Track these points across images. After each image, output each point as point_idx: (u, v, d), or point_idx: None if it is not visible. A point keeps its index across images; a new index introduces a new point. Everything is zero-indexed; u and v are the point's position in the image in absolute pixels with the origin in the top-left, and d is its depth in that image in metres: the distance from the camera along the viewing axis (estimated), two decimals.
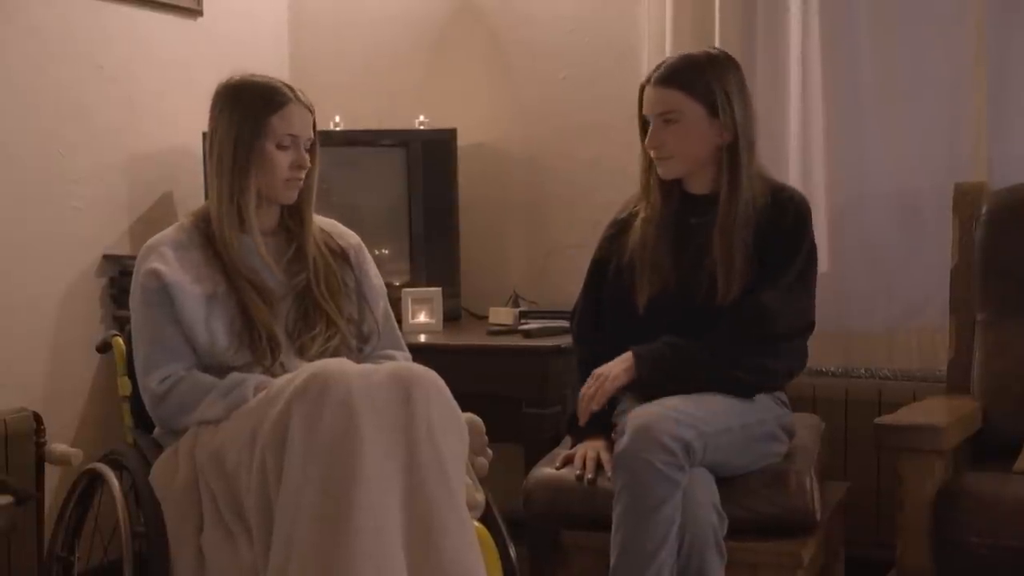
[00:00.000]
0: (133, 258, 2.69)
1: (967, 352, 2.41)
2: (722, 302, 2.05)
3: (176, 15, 2.91)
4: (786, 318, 2.07)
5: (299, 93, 1.98)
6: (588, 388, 2.08)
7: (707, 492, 1.94)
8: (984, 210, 2.43)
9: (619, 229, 2.21)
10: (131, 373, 1.99)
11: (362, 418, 1.69)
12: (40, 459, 2.44)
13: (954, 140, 2.60)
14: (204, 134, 2.77)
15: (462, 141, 2.95)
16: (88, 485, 1.97)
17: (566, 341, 2.53)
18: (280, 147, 1.94)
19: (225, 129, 1.94)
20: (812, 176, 2.68)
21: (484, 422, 1.99)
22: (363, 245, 2.12)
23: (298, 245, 2.00)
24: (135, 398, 2.00)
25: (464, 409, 1.85)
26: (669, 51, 2.76)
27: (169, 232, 1.99)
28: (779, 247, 2.08)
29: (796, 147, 2.71)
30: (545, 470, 2.13)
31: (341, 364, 1.78)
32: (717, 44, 2.66)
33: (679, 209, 2.15)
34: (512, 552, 1.93)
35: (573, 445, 2.16)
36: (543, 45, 3.02)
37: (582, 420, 2.09)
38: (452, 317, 2.90)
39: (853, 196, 2.69)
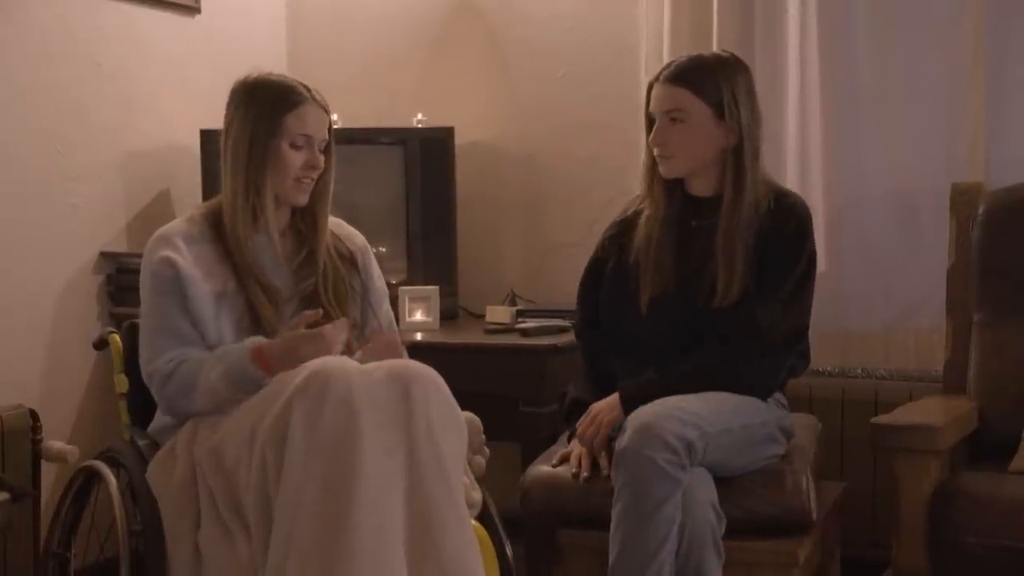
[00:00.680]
0: (130, 255, 2.72)
1: (964, 352, 2.41)
2: (720, 305, 2.05)
3: (174, 12, 2.91)
4: (778, 333, 2.07)
5: (315, 93, 1.98)
6: (587, 429, 2.06)
7: (706, 491, 1.94)
8: (981, 210, 2.43)
9: (621, 229, 2.21)
10: (128, 370, 1.99)
11: (362, 416, 1.69)
12: (36, 456, 2.44)
13: (952, 141, 2.61)
14: (202, 131, 2.81)
15: (460, 139, 2.95)
16: (85, 482, 1.97)
17: (563, 340, 2.53)
18: (294, 147, 1.94)
19: (240, 127, 1.94)
20: (810, 177, 2.68)
21: (481, 421, 1.99)
22: (368, 246, 2.12)
23: (310, 249, 1.99)
24: (132, 395, 1.99)
25: (461, 408, 1.84)
26: (667, 50, 2.77)
27: (179, 224, 1.97)
28: (780, 255, 2.08)
29: (794, 148, 2.71)
30: (542, 468, 2.13)
31: (342, 362, 1.78)
32: (715, 44, 2.67)
33: (681, 211, 2.15)
34: (509, 550, 1.93)
35: (570, 437, 2.16)
36: (541, 44, 3.02)
37: (585, 471, 2.06)
38: (449, 316, 2.90)
39: (851, 196, 2.69)
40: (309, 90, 1.97)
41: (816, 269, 2.14)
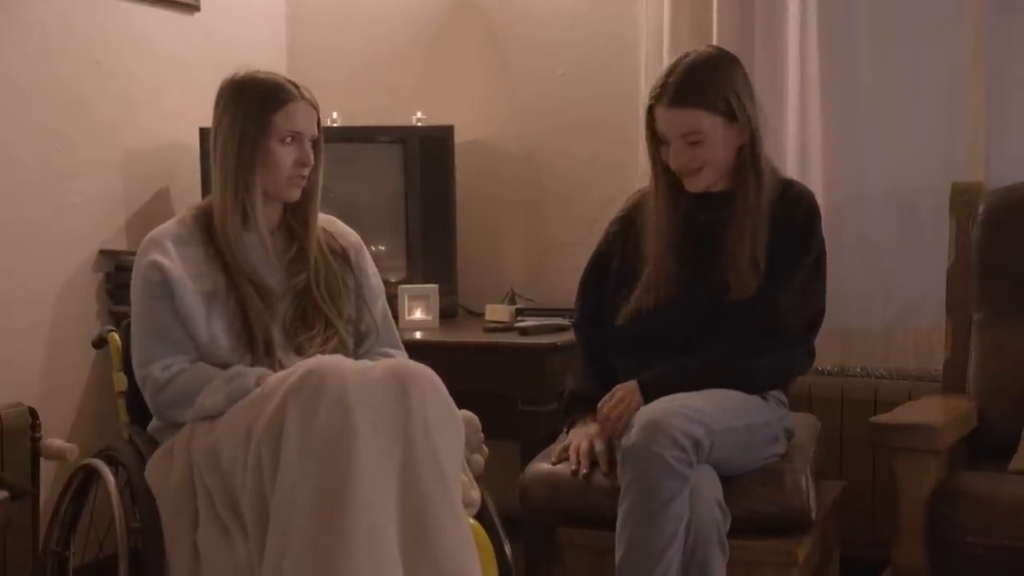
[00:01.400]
0: (130, 253, 2.71)
1: (963, 352, 2.41)
2: (736, 299, 2.04)
3: (174, 10, 2.91)
4: (800, 316, 2.09)
5: (303, 90, 1.97)
6: (613, 409, 2.03)
7: (712, 488, 1.94)
8: (981, 210, 2.43)
9: (625, 225, 2.20)
10: (127, 369, 1.99)
11: (358, 415, 1.69)
12: (36, 454, 2.44)
13: (952, 140, 2.60)
14: (201, 129, 2.81)
15: (459, 138, 2.95)
16: (84, 481, 1.97)
17: (563, 339, 2.53)
18: (283, 144, 1.94)
19: (229, 126, 1.94)
20: (810, 175, 2.68)
21: (480, 419, 1.99)
22: (362, 243, 2.12)
23: (300, 245, 1.99)
24: (131, 394, 1.99)
25: (460, 406, 1.84)
26: (667, 49, 2.76)
27: (170, 226, 1.98)
28: (791, 244, 2.08)
29: (794, 146, 2.71)
30: (541, 465, 2.13)
31: (337, 361, 1.78)
32: (715, 42, 2.66)
33: (688, 206, 2.14)
34: (508, 549, 1.93)
35: (569, 427, 2.15)
36: (541, 42, 3.02)
37: (584, 468, 2.04)
38: (449, 314, 2.90)
39: (851, 195, 2.69)
40: (297, 87, 1.97)
41: (826, 256, 2.14)
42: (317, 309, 1.96)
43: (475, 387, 2.10)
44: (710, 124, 2.05)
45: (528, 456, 2.24)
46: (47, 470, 2.50)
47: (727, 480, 2.00)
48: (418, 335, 2.69)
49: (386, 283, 2.18)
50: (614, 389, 2.07)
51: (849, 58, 2.67)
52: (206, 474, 1.78)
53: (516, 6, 3.04)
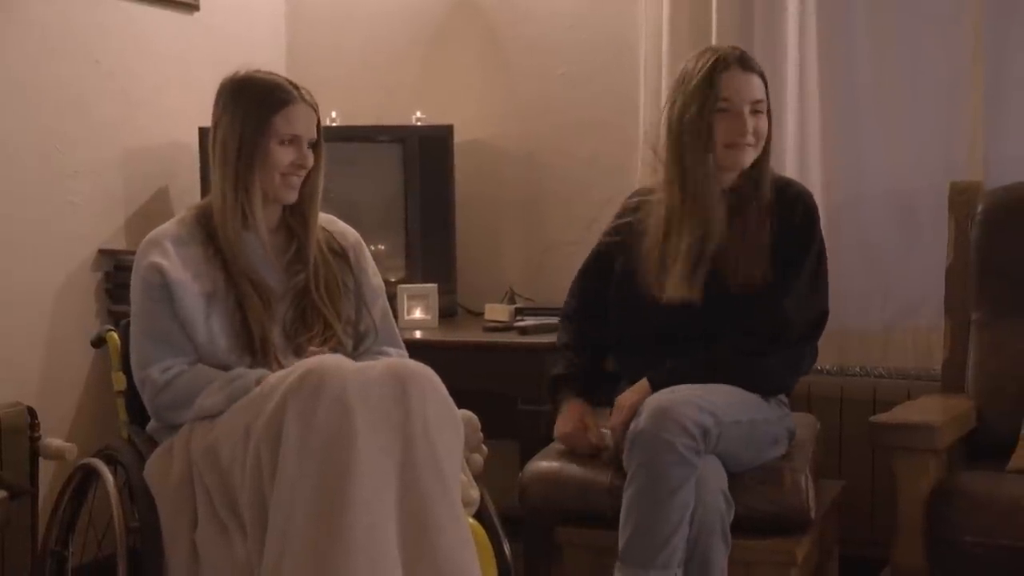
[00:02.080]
0: (129, 253, 2.71)
1: (962, 351, 2.41)
2: (743, 295, 2.05)
3: (173, 10, 2.91)
4: (806, 316, 2.10)
5: (303, 91, 1.97)
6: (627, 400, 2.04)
7: (717, 478, 1.94)
8: (980, 209, 2.43)
9: (627, 223, 2.20)
10: (126, 368, 1.99)
11: (357, 414, 1.69)
12: (35, 454, 2.44)
13: (951, 140, 2.60)
14: (201, 128, 2.81)
15: (459, 137, 2.95)
16: (82, 480, 1.97)
17: None
18: (281, 146, 1.94)
19: (228, 126, 1.94)
20: (809, 175, 2.68)
21: (479, 419, 1.99)
22: (362, 242, 2.11)
23: (299, 245, 1.99)
24: (130, 393, 1.99)
25: (459, 406, 1.84)
26: (666, 49, 2.77)
27: (170, 226, 1.98)
28: (793, 244, 2.09)
29: (793, 146, 2.71)
30: (541, 464, 2.13)
31: (337, 360, 1.78)
32: (714, 42, 2.66)
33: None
34: (507, 549, 1.93)
35: (555, 408, 2.16)
36: (541, 41, 3.02)
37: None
38: (448, 314, 2.90)
39: (850, 195, 2.69)
40: (298, 88, 1.96)
41: (827, 254, 2.15)
42: (316, 310, 1.96)
43: (474, 386, 2.10)
44: (766, 97, 2.10)
45: (527, 455, 2.24)
46: (46, 469, 2.50)
47: (728, 478, 2.00)
48: (417, 335, 2.69)
49: (385, 283, 2.18)
50: (617, 400, 2.06)
51: (848, 59, 2.67)
52: (205, 473, 1.78)
53: (516, 6, 3.04)
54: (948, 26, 2.59)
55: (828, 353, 2.66)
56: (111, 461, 1.94)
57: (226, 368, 1.89)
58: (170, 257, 1.91)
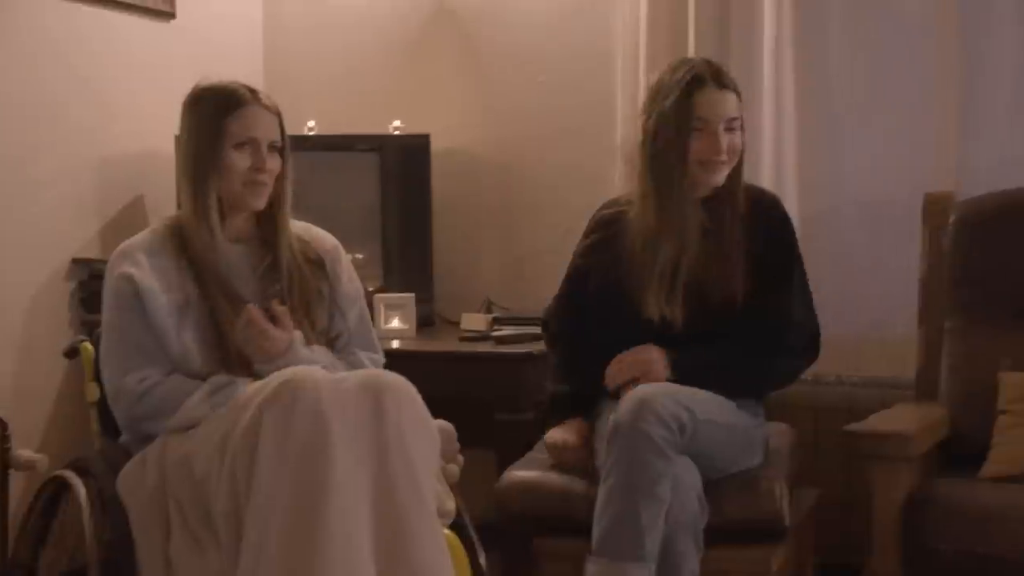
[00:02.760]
0: (102, 262, 2.66)
1: (935, 360, 2.43)
2: (728, 302, 2.06)
3: (149, 17, 2.89)
4: (804, 319, 2.14)
5: (261, 95, 1.96)
6: (629, 367, 2.05)
7: (692, 478, 1.95)
8: (952, 220, 2.45)
9: (607, 233, 2.20)
10: (99, 378, 1.97)
11: (332, 425, 1.68)
12: (5, 465, 2.41)
13: (924, 150, 2.63)
14: (176, 137, 2.78)
15: (436, 146, 2.95)
16: (54, 492, 1.95)
17: (539, 347, 2.52)
18: (238, 150, 1.92)
19: (187, 136, 1.95)
20: (784, 184, 2.70)
21: (456, 428, 1.99)
22: (340, 248, 2.10)
23: (274, 256, 1.98)
24: (103, 404, 1.97)
25: (436, 415, 1.84)
26: (643, 58, 2.78)
27: (142, 237, 1.97)
28: (778, 251, 2.12)
29: (769, 156, 2.73)
30: (520, 473, 2.13)
31: (312, 371, 1.77)
32: (691, 51, 2.68)
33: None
34: (482, 559, 1.92)
35: (557, 423, 2.16)
36: (518, 50, 3.02)
37: (612, 382, 2.05)
38: (425, 323, 2.89)
39: (824, 205, 2.71)
40: (254, 92, 1.95)
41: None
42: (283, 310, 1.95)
43: (451, 395, 2.09)
44: (741, 115, 2.11)
45: (504, 465, 2.24)
46: (16, 481, 2.47)
47: (703, 484, 1.99)
48: (395, 344, 2.68)
49: (363, 291, 2.17)
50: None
51: (823, 70, 2.70)
52: (177, 485, 1.76)
53: (494, 15, 3.05)
54: (923, 37, 2.62)
55: None
56: (83, 473, 1.92)
57: (202, 379, 1.87)
58: (142, 268, 1.90)
